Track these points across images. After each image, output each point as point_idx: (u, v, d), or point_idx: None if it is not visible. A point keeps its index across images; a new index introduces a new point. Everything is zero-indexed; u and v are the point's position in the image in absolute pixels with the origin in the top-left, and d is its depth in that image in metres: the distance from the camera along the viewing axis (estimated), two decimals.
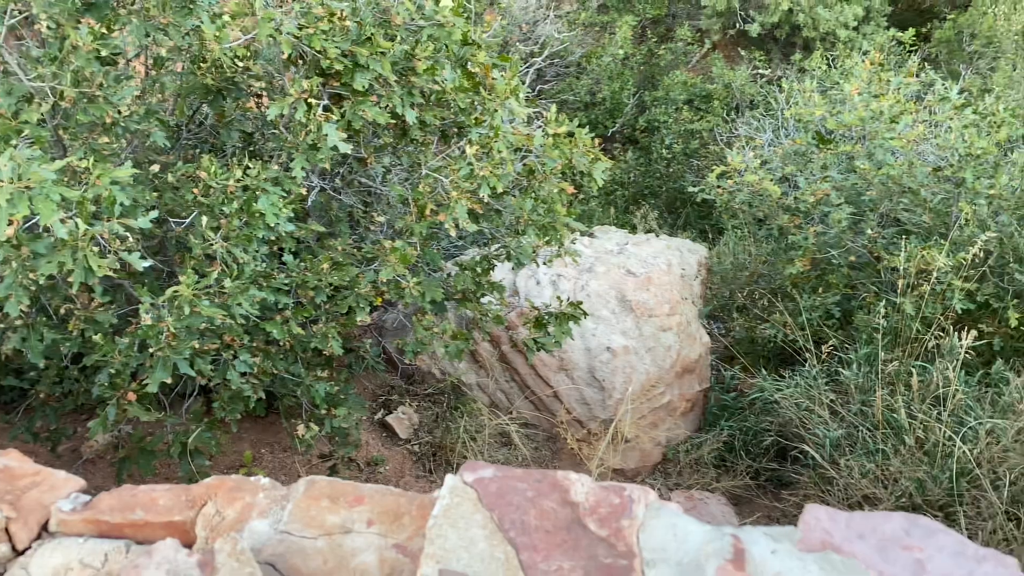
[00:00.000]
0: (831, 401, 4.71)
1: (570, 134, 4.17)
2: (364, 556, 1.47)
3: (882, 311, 4.70)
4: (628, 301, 5.31)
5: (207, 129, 4.16)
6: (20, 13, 3.04)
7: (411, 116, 3.47)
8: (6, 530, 1.67)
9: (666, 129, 10.36)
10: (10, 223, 2.57)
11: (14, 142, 2.92)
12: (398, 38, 3.50)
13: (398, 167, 4.55)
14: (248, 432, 4.44)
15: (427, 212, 3.72)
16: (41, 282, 2.76)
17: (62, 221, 2.60)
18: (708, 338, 5.76)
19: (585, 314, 4.27)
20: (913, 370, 4.44)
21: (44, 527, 1.73)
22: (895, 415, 4.31)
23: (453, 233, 3.65)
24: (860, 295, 5.38)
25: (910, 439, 4.18)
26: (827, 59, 10.32)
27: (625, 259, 5.65)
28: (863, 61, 7.05)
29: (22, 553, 1.68)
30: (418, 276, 3.76)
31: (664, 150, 10.09)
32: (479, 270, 4.15)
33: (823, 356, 4.98)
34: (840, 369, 4.85)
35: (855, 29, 11.40)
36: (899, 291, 4.80)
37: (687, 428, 5.54)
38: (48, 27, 2.96)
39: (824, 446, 4.51)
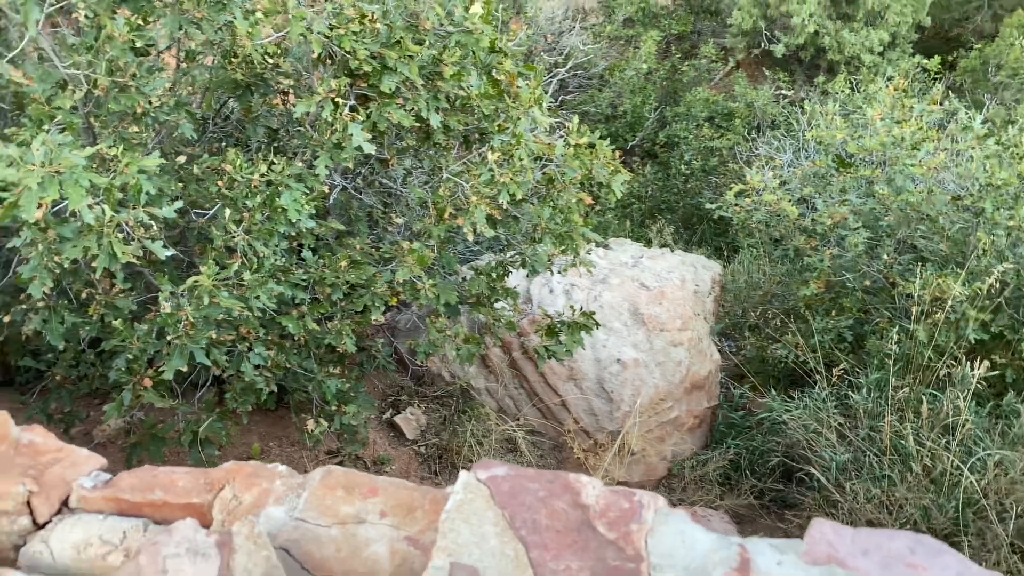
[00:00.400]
0: (839, 425, 4.70)
1: (591, 145, 4.20)
2: (376, 547, 1.50)
3: (895, 337, 4.69)
4: (640, 314, 5.32)
5: (233, 123, 4.21)
6: (57, 2, 3.10)
7: (436, 120, 3.51)
8: (28, 504, 1.71)
9: (686, 145, 10.38)
10: (39, 206, 2.61)
11: (46, 127, 2.98)
12: (426, 42, 3.54)
13: (419, 170, 4.59)
14: (257, 425, 4.48)
15: (446, 215, 3.75)
16: (65, 266, 2.81)
17: (89, 207, 2.65)
18: (719, 355, 5.76)
19: (597, 324, 4.29)
20: (923, 398, 4.42)
21: (65, 503, 1.77)
22: (903, 442, 4.30)
23: (471, 237, 3.68)
24: (873, 320, 5.37)
25: (917, 467, 4.17)
26: (851, 83, 10.31)
27: (639, 272, 5.67)
28: (887, 86, 7.05)
29: (42, 527, 1.72)
30: (434, 278, 3.80)
31: (683, 166, 10.11)
32: (494, 275, 4.17)
33: (833, 379, 4.97)
34: (850, 393, 4.84)
35: (880, 54, 11.40)
36: (913, 318, 4.79)
37: (693, 444, 5.54)
38: (86, 16, 3.02)
39: (830, 469, 4.50)
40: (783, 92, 11.39)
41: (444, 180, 3.89)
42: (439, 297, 3.76)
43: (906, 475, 4.20)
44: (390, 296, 3.74)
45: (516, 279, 5.44)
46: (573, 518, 1.37)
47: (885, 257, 5.26)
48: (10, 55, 2.99)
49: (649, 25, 12.94)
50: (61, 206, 2.78)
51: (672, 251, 6.45)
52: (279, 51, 3.49)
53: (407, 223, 4.52)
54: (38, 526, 1.71)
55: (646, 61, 11.43)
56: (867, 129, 6.48)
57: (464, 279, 4.27)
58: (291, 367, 3.57)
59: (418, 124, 3.53)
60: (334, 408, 3.74)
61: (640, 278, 5.56)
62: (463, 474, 1.44)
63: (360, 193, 4.28)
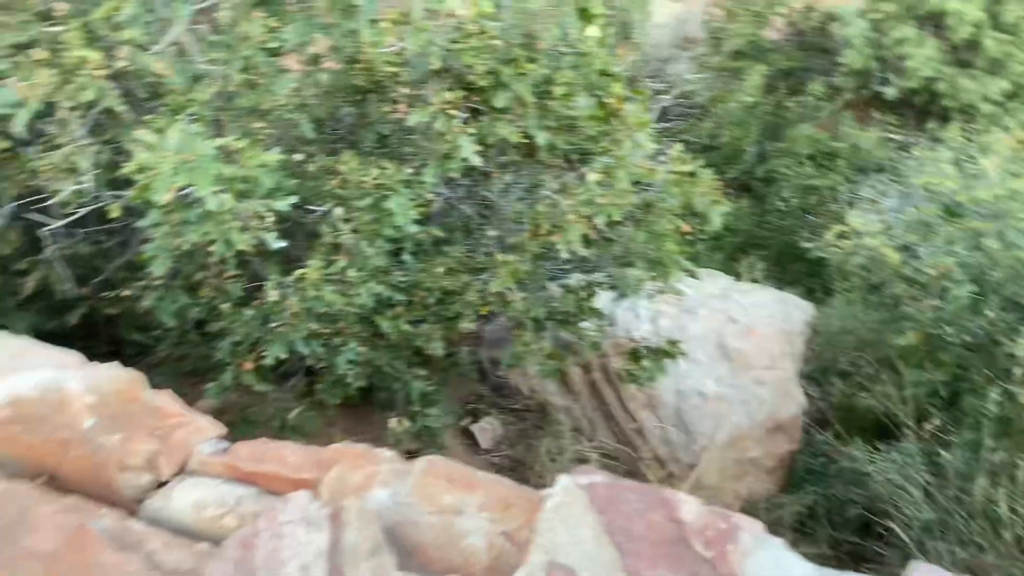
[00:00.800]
0: (927, 482, 4.52)
1: (691, 173, 4.19)
2: (473, 538, 1.56)
3: (994, 398, 4.48)
4: (727, 348, 5.26)
5: (346, 126, 4.38)
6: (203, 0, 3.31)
7: (543, 138, 3.57)
8: (152, 462, 1.84)
9: (785, 182, 10.18)
10: (169, 190, 2.79)
11: (179, 116, 3.17)
12: (540, 61, 3.62)
13: (518, 185, 4.66)
14: (341, 419, 4.60)
15: (542, 231, 3.80)
16: (185, 248, 2.98)
17: (214, 194, 2.81)
18: (804, 398, 5.62)
19: (683, 353, 4.26)
20: (1021, 463, 4.22)
21: (183, 465, 1.89)
22: (995, 507, 4.10)
23: (565, 255, 3.72)
24: (971, 377, 5.15)
25: (1008, 535, 3.97)
26: (965, 131, 9.93)
27: (728, 305, 5.59)
28: (1006, 137, 6.79)
29: (162, 485, 1.85)
30: (524, 292, 3.85)
31: (781, 202, 9.91)
32: (583, 294, 4.20)
33: (924, 435, 4.78)
34: (940, 451, 4.65)
35: (999, 104, 10.94)
36: (1015, 379, 4.58)
37: (770, 486, 5.41)
38: (227, 16, 3.21)
39: (913, 527, 4.33)
40: (892, 136, 11.05)
41: (543, 197, 3.95)
42: (528, 311, 3.81)
43: (996, 543, 4.01)
44: (481, 305, 3.81)
45: (601, 301, 5.44)
46: (668, 532, 1.39)
47: (989, 313, 5.05)
48: (155, 49, 3.20)
49: (757, 59, 12.76)
50: (187, 192, 2.95)
51: (763, 287, 6.35)
52: (400, 60, 3.62)
53: (501, 236, 4.59)
54: (158, 484, 1.85)
55: (751, 94, 11.29)
56: (979, 180, 6.24)
57: (552, 295, 4.30)
58: (381, 365, 3.68)
59: (525, 140, 3.60)
60: (417, 409, 3.83)
61: (729, 312, 5.49)
62: (563, 477, 1.49)
63: (460, 203, 4.38)
